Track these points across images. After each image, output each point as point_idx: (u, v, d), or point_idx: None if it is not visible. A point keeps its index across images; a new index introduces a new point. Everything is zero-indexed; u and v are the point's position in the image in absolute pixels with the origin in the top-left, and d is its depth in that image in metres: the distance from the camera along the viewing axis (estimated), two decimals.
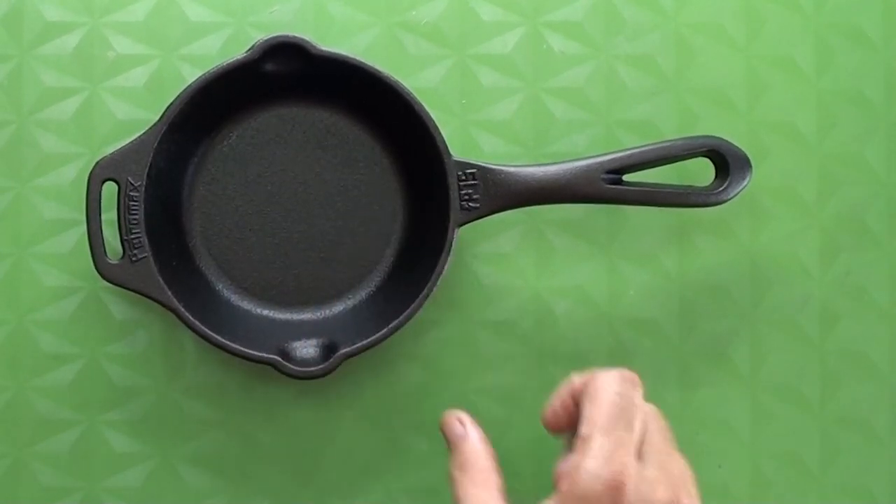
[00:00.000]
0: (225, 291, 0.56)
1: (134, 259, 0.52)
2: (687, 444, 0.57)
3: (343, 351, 0.52)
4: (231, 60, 0.52)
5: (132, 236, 0.52)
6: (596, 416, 0.45)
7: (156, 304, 0.52)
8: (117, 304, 0.56)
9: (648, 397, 0.58)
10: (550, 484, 0.57)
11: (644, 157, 0.53)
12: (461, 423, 0.49)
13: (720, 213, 0.57)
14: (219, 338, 0.52)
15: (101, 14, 0.56)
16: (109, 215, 0.53)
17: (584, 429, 0.46)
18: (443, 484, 0.57)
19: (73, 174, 0.56)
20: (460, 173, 0.53)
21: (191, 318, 0.52)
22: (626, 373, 0.47)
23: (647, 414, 0.47)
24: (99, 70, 0.56)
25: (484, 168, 0.53)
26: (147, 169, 0.52)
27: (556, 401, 0.48)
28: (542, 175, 0.53)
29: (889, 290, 0.58)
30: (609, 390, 0.46)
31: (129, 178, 0.52)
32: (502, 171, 0.53)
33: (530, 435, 0.57)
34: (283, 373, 0.51)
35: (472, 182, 0.53)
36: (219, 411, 0.56)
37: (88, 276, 0.55)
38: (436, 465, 0.57)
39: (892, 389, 0.58)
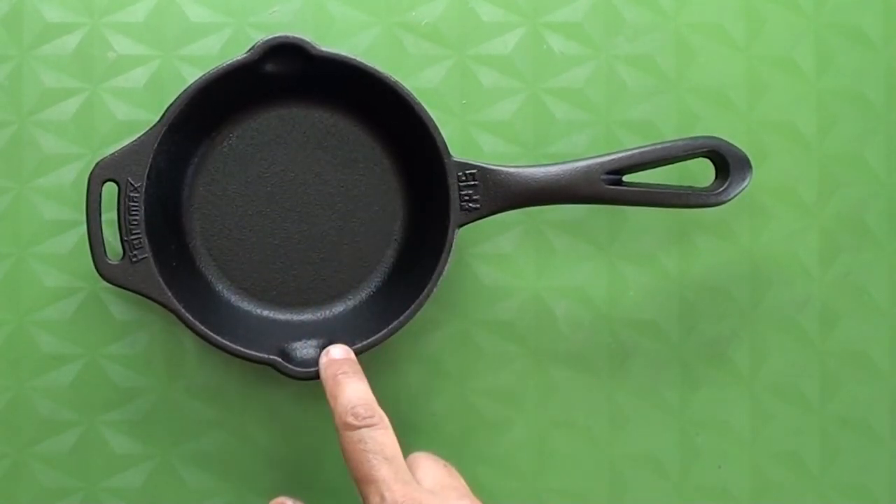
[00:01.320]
0: (225, 292, 0.56)
1: (134, 259, 0.52)
2: (687, 444, 0.57)
3: None
4: (231, 61, 0.52)
5: (132, 237, 0.52)
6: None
7: (156, 305, 0.52)
8: (117, 305, 0.56)
9: (648, 397, 0.58)
10: (552, 483, 0.57)
11: (644, 157, 0.53)
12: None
13: (720, 214, 0.57)
14: (219, 338, 0.52)
15: (101, 14, 0.56)
16: (109, 216, 0.53)
17: None
18: None
19: (73, 174, 0.56)
20: (460, 174, 0.53)
21: (191, 318, 0.52)
22: None
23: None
24: (99, 70, 0.56)
25: (484, 168, 0.53)
26: (147, 169, 0.52)
27: None
28: (543, 176, 0.53)
29: (889, 290, 0.58)
30: None
31: (129, 179, 0.52)
32: (502, 171, 0.53)
33: (530, 435, 0.57)
34: (283, 373, 0.51)
35: (472, 182, 0.53)
36: (219, 411, 0.56)
37: (88, 276, 0.55)
38: None
39: (892, 389, 0.58)
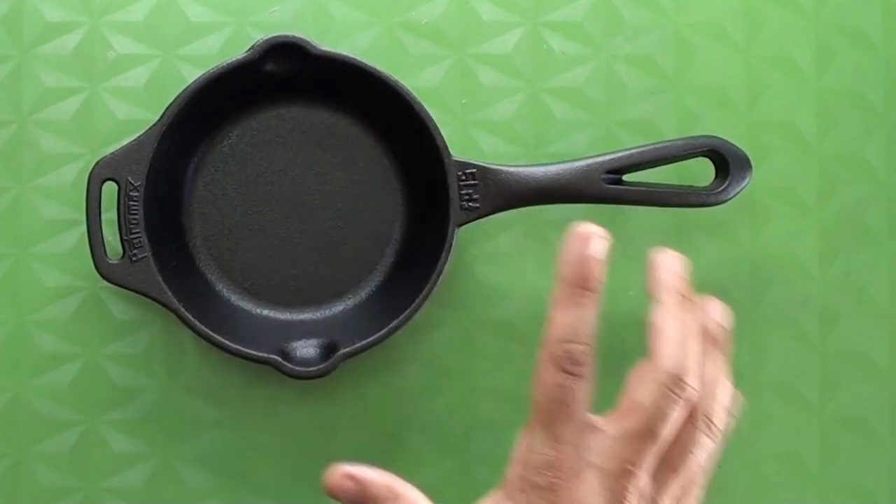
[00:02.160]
0: (225, 291, 0.56)
1: (134, 259, 0.52)
2: None
3: (343, 351, 0.52)
4: (231, 60, 0.52)
5: (132, 236, 0.52)
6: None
7: (156, 304, 0.52)
8: (117, 304, 0.56)
9: None
10: None
11: (644, 157, 0.53)
12: (351, 478, 0.45)
13: (720, 213, 0.57)
14: (219, 338, 0.52)
15: (101, 14, 0.56)
16: (109, 215, 0.53)
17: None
18: (443, 484, 0.57)
19: (73, 174, 0.56)
20: (460, 173, 0.53)
21: (191, 318, 0.52)
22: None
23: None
24: (99, 70, 0.56)
25: (484, 168, 0.53)
26: (147, 169, 0.52)
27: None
28: (543, 175, 0.53)
29: (889, 290, 0.58)
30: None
31: (129, 178, 0.52)
32: (502, 171, 0.53)
33: None
34: (283, 373, 0.51)
35: (472, 182, 0.53)
36: (219, 411, 0.56)
37: (88, 276, 0.55)
38: (436, 465, 0.57)
39: (892, 389, 0.58)
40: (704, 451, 0.46)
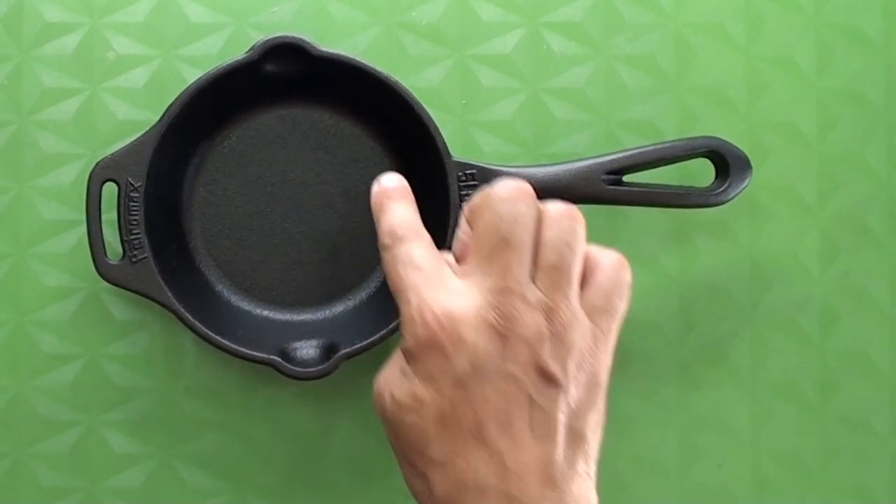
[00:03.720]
0: (225, 292, 0.56)
1: (134, 260, 0.52)
2: (687, 444, 0.57)
3: (343, 351, 0.52)
4: (231, 61, 0.52)
5: (132, 237, 0.52)
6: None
7: (156, 305, 0.52)
8: (117, 304, 0.56)
9: (648, 397, 0.58)
10: None
11: (644, 157, 0.53)
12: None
13: (720, 214, 0.57)
14: (219, 338, 0.52)
15: (101, 14, 0.56)
16: (110, 216, 0.53)
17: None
18: None
19: (73, 174, 0.56)
20: (460, 174, 0.53)
21: (191, 318, 0.52)
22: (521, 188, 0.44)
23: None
24: (99, 70, 0.56)
25: (484, 169, 0.53)
26: (147, 169, 0.52)
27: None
28: (543, 176, 0.53)
29: (889, 290, 0.58)
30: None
31: (129, 179, 0.52)
32: (502, 171, 0.53)
33: None
34: (283, 373, 0.51)
35: (473, 183, 0.53)
36: (219, 411, 0.56)
37: (88, 276, 0.55)
38: None
39: (892, 389, 0.58)
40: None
